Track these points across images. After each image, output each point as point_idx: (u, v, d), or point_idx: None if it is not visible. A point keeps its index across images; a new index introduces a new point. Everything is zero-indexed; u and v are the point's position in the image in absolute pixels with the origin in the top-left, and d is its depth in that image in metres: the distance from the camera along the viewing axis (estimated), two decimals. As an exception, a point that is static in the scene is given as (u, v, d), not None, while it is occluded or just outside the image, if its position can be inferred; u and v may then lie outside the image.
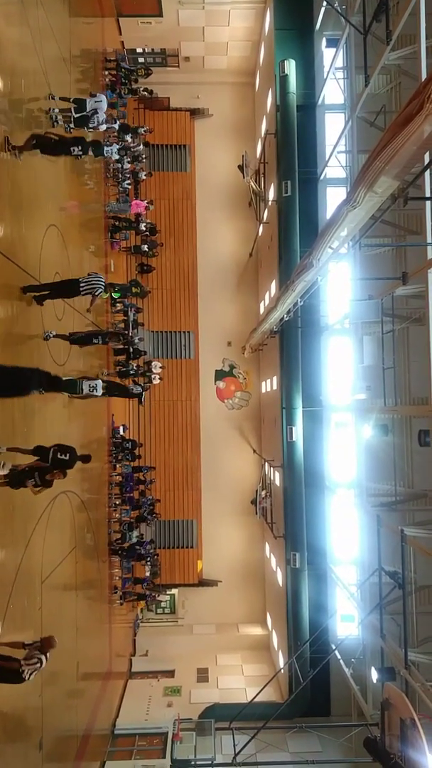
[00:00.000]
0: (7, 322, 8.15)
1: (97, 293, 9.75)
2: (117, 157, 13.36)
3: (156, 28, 20.75)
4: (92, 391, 10.40)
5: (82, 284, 9.54)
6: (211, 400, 23.31)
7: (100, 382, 10.45)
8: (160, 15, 20.06)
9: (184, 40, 21.49)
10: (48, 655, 6.88)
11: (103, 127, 11.87)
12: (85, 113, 10.67)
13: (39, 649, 6.86)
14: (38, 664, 6.69)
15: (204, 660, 20.53)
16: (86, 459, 8.55)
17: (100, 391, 10.41)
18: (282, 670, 17.11)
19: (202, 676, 19.85)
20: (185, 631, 22.00)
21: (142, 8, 19.72)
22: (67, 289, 9.61)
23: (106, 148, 11.84)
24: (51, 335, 10.00)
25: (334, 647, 14.58)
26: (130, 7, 19.69)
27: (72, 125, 10.75)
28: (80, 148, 9.71)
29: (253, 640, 21.54)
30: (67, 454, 7.66)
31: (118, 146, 13.24)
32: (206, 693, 18.67)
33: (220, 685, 19.23)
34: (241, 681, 19.43)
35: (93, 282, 9.61)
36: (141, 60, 22.12)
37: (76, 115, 10.73)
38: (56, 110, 10.59)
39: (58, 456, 7.51)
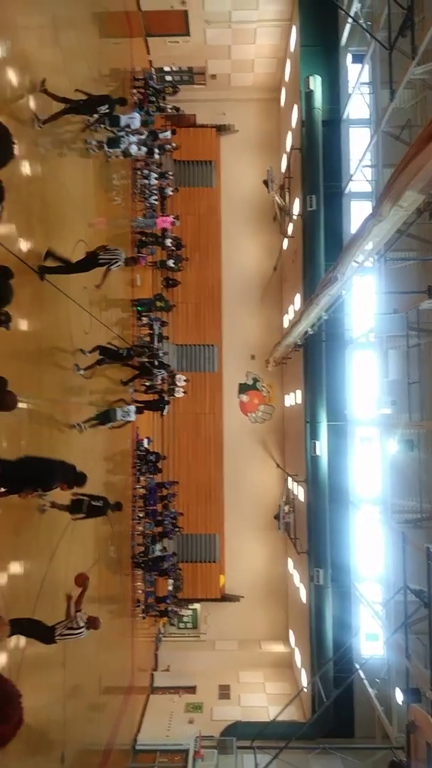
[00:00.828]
0: (35, 337, 8.28)
1: (114, 265, 9.60)
2: (135, 149, 13.37)
3: (183, 46, 21.11)
4: (126, 417, 10.95)
5: (100, 255, 9.43)
6: (235, 413, 23.29)
7: (132, 408, 10.90)
8: (188, 34, 20.42)
9: (211, 58, 21.82)
10: (87, 629, 7.16)
11: (134, 148, 12.23)
12: (116, 130, 10.94)
13: (86, 621, 7.10)
14: (75, 631, 6.93)
15: (226, 677, 20.32)
16: (118, 507, 9.55)
17: (133, 416, 10.95)
18: (305, 689, 16.84)
19: (224, 693, 19.64)
20: (207, 646, 21.82)
21: (170, 28, 20.09)
22: (84, 264, 9.38)
23: (122, 139, 11.92)
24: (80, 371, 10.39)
25: (358, 666, 14.31)
26: (159, 27, 20.08)
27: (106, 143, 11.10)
28: (107, 107, 9.73)
29: (276, 658, 21.27)
30: (101, 501, 8.70)
31: (137, 138, 13.29)
32: (228, 710, 18.45)
33: (242, 703, 18.99)
34: (263, 699, 19.17)
35: (113, 252, 9.56)
36: (168, 78, 22.48)
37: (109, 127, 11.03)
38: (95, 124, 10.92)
39: (93, 503, 8.48)
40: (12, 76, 7.52)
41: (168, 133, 18.44)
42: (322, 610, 15.91)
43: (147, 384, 17.64)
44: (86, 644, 11.15)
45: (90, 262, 9.33)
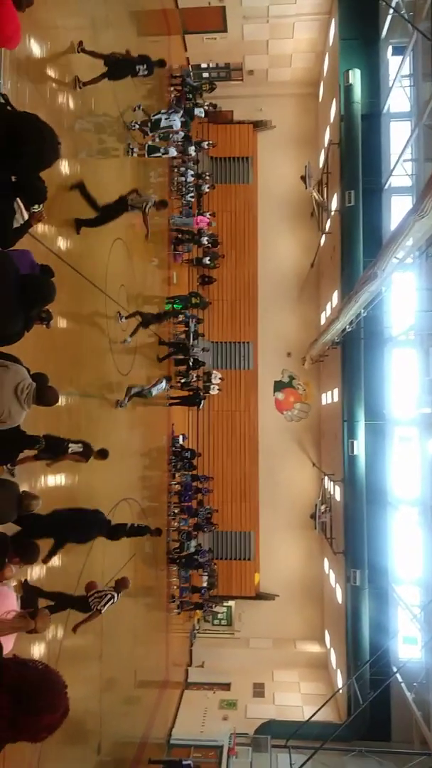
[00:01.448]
0: (74, 334, 8.39)
1: (147, 207, 9.62)
2: (174, 152, 13.59)
3: (220, 43, 21.07)
4: (158, 384, 11.93)
5: (131, 199, 9.48)
6: (270, 411, 23.17)
7: (164, 381, 11.79)
8: (225, 30, 20.36)
9: (248, 53, 21.70)
10: (119, 594, 7.21)
11: (173, 152, 12.46)
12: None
13: (114, 588, 7.23)
14: (109, 597, 6.99)
15: (260, 675, 20.28)
16: (158, 533, 9.86)
17: (164, 384, 12.00)
18: (341, 690, 16.66)
19: (258, 691, 19.61)
20: (241, 644, 21.82)
21: (207, 25, 20.06)
22: (115, 210, 9.29)
23: (164, 118, 12.10)
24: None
25: (395, 670, 14.08)
26: (196, 24, 20.07)
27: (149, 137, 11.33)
28: (146, 66, 9.78)
29: (311, 658, 21.11)
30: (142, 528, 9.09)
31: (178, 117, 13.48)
32: (262, 708, 18.41)
33: (277, 702, 18.92)
34: (297, 698, 19.06)
35: (144, 196, 9.67)
36: (206, 75, 22.47)
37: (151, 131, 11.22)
38: (136, 124, 11.08)
39: (135, 527, 8.79)
40: (53, 73, 7.62)
41: (201, 111, 18.30)
42: (359, 611, 15.71)
43: (182, 380, 17.72)
44: (122, 638, 11.29)
45: (121, 206, 9.30)
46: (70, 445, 6.72)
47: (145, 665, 13.60)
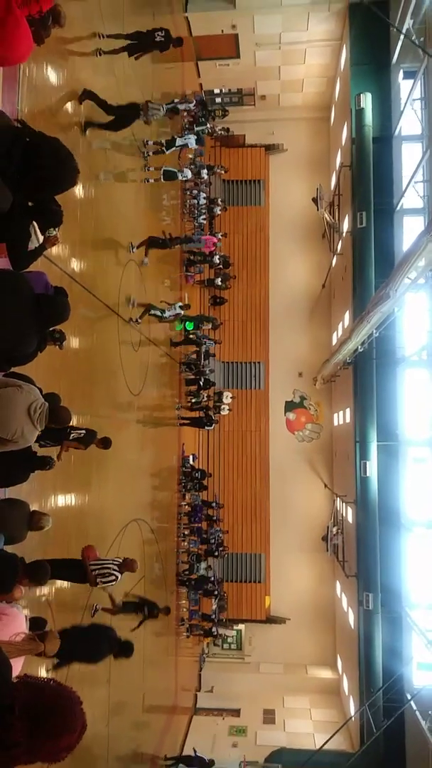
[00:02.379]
0: (86, 354, 8.44)
1: (153, 117, 9.98)
2: (194, 143, 14.07)
3: (233, 69, 21.43)
4: (173, 307, 12.50)
5: (142, 111, 9.76)
6: (281, 431, 23.06)
7: (178, 306, 12.56)
8: (238, 57, 20.72)
9: (261, 79, 22.06)
10: (121, 575, 6.92)
11: (188, 174, 12.75)
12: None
13: (118, 565, 6.89)
14: (111, 578, 6.73)
15: (271, 701, 19.88)
16: (167, 611, 10.20)
17: (178, 309, 12.58)
18: (353, 718, 16.28)
19: (269, 717, 19.21)
20: (252, 668, 21.45)
21: (220, 51, 20.44)
22: (129, 114, 9.46)
23: (178, 138, 12.77)
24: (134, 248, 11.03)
25: (409, 697, 13.74)
26: (210, 51, 20.46)
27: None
28: (163, 33, 10.17)
29: (323, 684, 20.69)
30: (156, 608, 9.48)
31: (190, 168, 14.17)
32: (273, 736, 18.01)
33: (287, 729, 18.51)
34: (309, 726, 18.64)
35: (157, 105, 10.02)
36: (218, 100, 22.83)
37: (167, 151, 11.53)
38: (150, 141, 11.36)
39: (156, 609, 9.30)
40: (68, 101, 7.78)
41: (205, 128, 18.65)
42: (372, 636, 15.40)
43: (193, 400, 17.73)
44: (131, 661, 11.12)
45: (133, 111, 9.53)
46: (71, 431, 6.64)
47: (153, 689, 13.40)
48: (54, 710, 1.86)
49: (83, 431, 6.75)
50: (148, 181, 12.22)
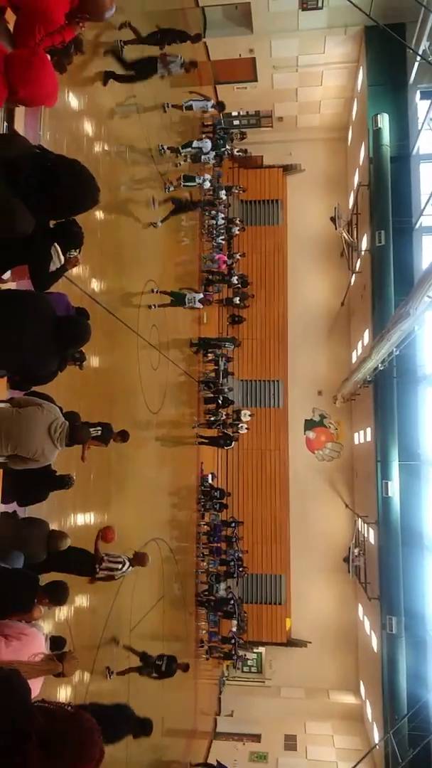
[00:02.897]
0: (106, 373, 8.51)
1: (172, 68, 10.19)
2: (210, 146, 14.58)
3: (251, 92, 21.75)
4: (193, 303, 12.39)
5: (160, 64, 9.99)
6: (301, 450, 22.89)
7: (199, 296, 12.42)
8: (256, 80, 21.04)
9: (278, 101, 22.34)
10: (131, 567, 6.74)
11: (207, 184, 13.07)
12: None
13: (129, 559, 6.79)
14: (119, 566, 6.54)
15: (292, 726, 19.46)
16: (186, 668, 10.27)
17: (199, 305, 12.53)
18: (377, 746, 15.83)
19: (290, 743, 18.78)
20: (272, 693, 21.05)
21: (238, 75, 20.78)
22: (147, 68, 9.74)
23: (203, 156, 13.64)
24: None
25: (435, 725, 13.34)
26: (227, 75, 20.81)
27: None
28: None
29: (346, 709, 20.21)
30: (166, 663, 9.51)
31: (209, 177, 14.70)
32: (294, 762, 17.61)
33: (310, 756, 18.08)
34: (332, 753, 18.19)
35: (175, 57, 10.23)
36: (236, 122, 23.15)
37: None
38: (164, 147, 12.21)
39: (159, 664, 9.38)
40: (88, 127, 7.96)
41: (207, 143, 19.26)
42: (396, 660, 15.03)
43: (211, 419, 17.71)
44: (149, 684, 11.01)
45: (151, 65, 9.84)
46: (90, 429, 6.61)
47: (172, 712, 13.21)
48: (71, 739, 1.83)
49: (99, 428, 6.72)
50: (169, 187, 12.66)
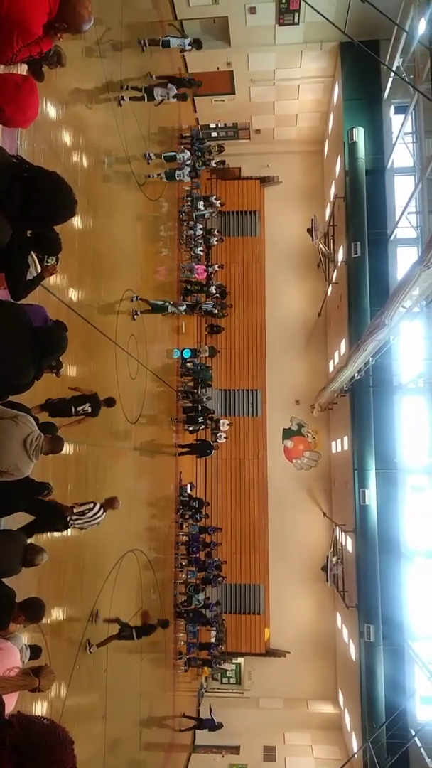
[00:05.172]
0: (84, 383, 8.46)
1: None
2: (188, 179, 15.35)
3: (229, 104, 21.96)
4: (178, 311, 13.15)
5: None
6: (279, 459, 22.96)
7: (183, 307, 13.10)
8: (233, 93, 21.24)
9: (255, 114, 22.59)
10: (104, 514, 6.46)
11: (187, 177, 14.64)
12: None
13: (102, 505, 6.55)
14: (90, 505, 6.28)
15: (271, 737, 19.36)
16: (165, 624, 11.15)
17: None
18: (356, 755, 15.84)
19: (269, 755, 18.68)
20: (251, 704, 20.94)
21: (216, 88, 20.94)
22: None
23: (177, 172, 14.25)
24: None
25: (413, 733, 13.40)
26: (205, 87, 20.91)
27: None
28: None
29: (324, 719, 20.18)
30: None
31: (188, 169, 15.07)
32: (273, 774, 17.51)
33: (289, 766, 17.99)
34: (311, 764, 18.14)
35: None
36: (214, 134, 23.33)
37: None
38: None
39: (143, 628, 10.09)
40: (66, 136, 7.96)
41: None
42: (374, 669, 15.09)
43: (191, 428, 17.69)
44: (127, 696, 10.88)
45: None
46: (78, 408, 6.77)
47: (150, 725, 13.06)
48: (44, 745, 1.83)
49: (88, 405, 6.89)
50: (150, 176, 13.33)
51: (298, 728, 19.80)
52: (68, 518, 6.15)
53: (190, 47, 14.18)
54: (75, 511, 6.25)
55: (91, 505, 6.35)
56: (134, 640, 9.73)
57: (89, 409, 6.86)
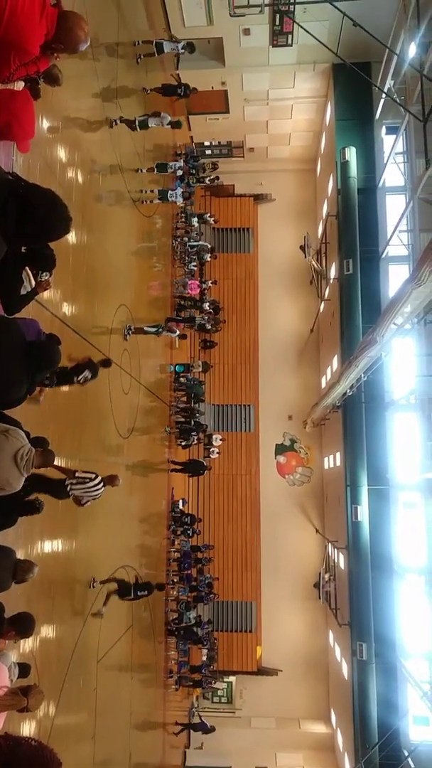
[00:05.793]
0: (76, 398, 8.45)
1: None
2: (181, 200, 15.39)
3: (223, 123, 22.24)
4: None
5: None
6: (272, 474, 22.91)
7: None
8: (227, 112, 21.53)
9: (249, 132, 22.88)
10: (103, 488, 6.41)
11: (180, 198, 14.50)
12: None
13: (103, 480, 6.48)
14: (92, 475, 6.20)
15: (263, 758, 19.07)
16: (161, 588, 11.54)
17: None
18: (348, 776, 15.63)
19: (261, 776, 18.40)
20: (243, 723, 20.66)
21: (210, 106, 21.23)
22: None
23: (170, 192, 14.26)
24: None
25: (407, 754, 13.25)
26: (200, 106, 21.26)
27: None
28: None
29: (317, 739, 19.93)
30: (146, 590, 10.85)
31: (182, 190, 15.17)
32: (265, 796, 17.22)
33: (280, 789, 17.72)
34: (303, 785, 17.86)
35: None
36: (208, 152, 23.60)
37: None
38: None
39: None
40: (62, 153, 8.03)
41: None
42: (366, 688, 14.94)
43: (183, 443, 17.65)
44: (117, 716, 10.72)
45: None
46: (78, 378, 6.98)
47: (140, 746, 12.85)
48: (31, 766, 1.81)
49: (87, 372, 7.08)
50: (145, 197, 13.52)
51: (290, 748, 19.54)
52: (67, 484, 6.11)
53: (183, 50, 14.35)
54: (77, 475, 6.19)
55: (93, 476, 6.33)
56: (131, 597, 10.42)
57: (89, 375, 7.11)
